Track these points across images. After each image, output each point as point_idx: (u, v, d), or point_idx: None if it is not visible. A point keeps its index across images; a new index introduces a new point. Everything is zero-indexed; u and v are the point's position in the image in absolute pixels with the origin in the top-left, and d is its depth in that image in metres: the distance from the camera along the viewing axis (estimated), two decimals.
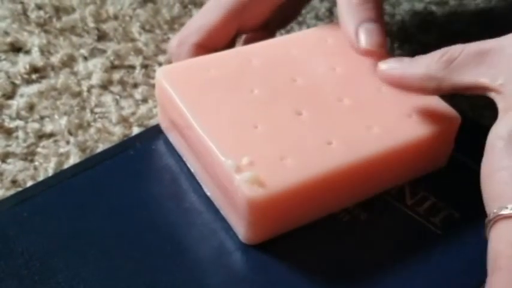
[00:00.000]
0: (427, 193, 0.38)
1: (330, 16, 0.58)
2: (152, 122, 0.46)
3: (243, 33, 0.44)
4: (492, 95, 0.33)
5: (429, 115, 0.37)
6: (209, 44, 0.41)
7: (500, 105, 0.32)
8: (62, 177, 0.38)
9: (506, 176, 0.29)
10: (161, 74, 0.39)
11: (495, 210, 0.29)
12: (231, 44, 0.43)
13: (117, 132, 0.45)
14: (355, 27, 0.39)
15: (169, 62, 0.51)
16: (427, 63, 0.35)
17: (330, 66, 0.40)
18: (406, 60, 0.36)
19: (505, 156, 0.29)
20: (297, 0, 0.49)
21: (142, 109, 0.47)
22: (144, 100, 0.48)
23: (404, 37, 0.57)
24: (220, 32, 0.41)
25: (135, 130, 0.46)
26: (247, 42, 0.45)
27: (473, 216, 0.33)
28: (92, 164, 0.39)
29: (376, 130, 0.36)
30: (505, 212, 0.28)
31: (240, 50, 0.41)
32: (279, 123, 0.36)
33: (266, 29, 0.45)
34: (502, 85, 0.32)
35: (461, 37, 0.57)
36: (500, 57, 0.32)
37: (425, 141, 0.37)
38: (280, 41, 0.42)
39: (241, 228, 0.35)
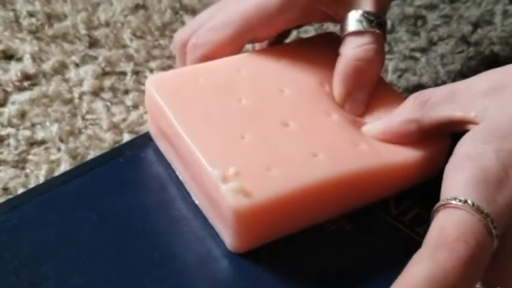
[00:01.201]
0: (412, 203, 0.38)
1: (322, 25, 0.58)
2: (143, 129, 0.47)
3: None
4: (470, 127, 0.34)
5: (413, 139, 0.37)
6: (215, 57, 0.42)
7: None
8: (52, 185, 0.39)
9: (460, 175, 0.31)
10: (151, 83, 0.39)
11: (440, 201, 0.31)
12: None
13: (108, 139, 0.46)
14: (345, 93, 0.40)
15: (161, 68, 0.52)
16: (403, 109, 0.37)
17: (318, 80, 0.41)
18: (384, 116, 0.38)
19: (466, 161, 0.31)
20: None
21: (133, 115, 0.48)
22: (135, 106, 0.48)
23: (394, 41, 0.58)
24: (227, 50, 0.42)
25: (126, 137, 0.46)
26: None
27: None
28: (81, 171, 0.40)
29: (363, 147, 0.37)
30: (443, 202, 0.30)
31: (229, 60, 0.41)
32: (266, 133, 0.37)
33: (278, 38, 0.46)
34: (476, 116, 0.34)
35: (451, 41, 0.58)
36: (469, 94, 0.35)
37: (414, 164, 0.37)
38: (269, 52, 0.43)
39: (227, 237, 0.35)
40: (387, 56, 0.56)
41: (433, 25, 0.60)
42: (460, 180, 0.31)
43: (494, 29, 0.60)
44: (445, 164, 0.35)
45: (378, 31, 0.40)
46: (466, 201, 0.29)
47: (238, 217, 0.33)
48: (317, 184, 0.35)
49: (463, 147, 0.32)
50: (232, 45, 0.42)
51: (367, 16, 0.40)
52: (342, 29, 0.41)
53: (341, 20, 0.41)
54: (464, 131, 0.34)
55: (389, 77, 0.54)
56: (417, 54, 0.57)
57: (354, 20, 0.40)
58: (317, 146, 0.36)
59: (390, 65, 0.55)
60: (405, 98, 0.38)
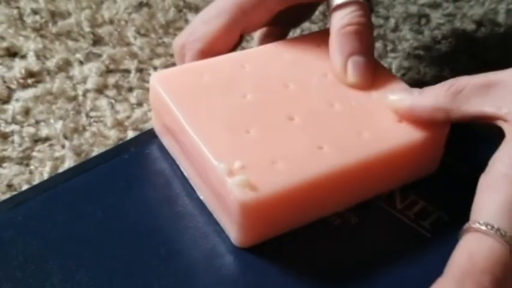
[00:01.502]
0: (417, 197, 0.38)
1: (324, 19, 0.58)
2: (147, 126, 0.47)
3: (248, 33, 0.45)
4: (500, 123, 0.34)
5: (419, 121, 0.38)
6: (214, 50, 0.42)
7: (507, 132, 0.33)
8: (56, 181, 0.39)
9: (495, 198, 0.30)
10: (155, 79, 0.39)
11: (470, 222, 0.30)
12: (236, 47, 0.44)
13: (112, 136, 0.46)
14: (343, 59, 0.40)
15: (165, 66, 0.52)
16: (435, 95, 0.36)
17: (322, 72, 0.41)
18: (415, 92, 0.37)
19: (503, 182, 0.30)
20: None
21: (137, 113, 0.48)
22: (139, 104, 0.48)
23: (398, 40, 0.58)
24: (223, 39, 0.42)
25: (130, 134, 0.46)
26: (263, 39, 0.46)
27: (462, 219, 0.33)
28: (86, 168, 0.40)
29: (366, 135, 0.37)
30: (474, 225, 0.30)
31: (233, 56, 0.41)
32: (271, 128, 0.37)
33: (278, 25, 0.46)
34: (507, 113, 0.33)
35: (455, 39, 0.58)
36: (504, 90, 0.34)
37: (416, 147, 0.37)
38: (272, 47, 0.43)
39: (233, 232, 0.35)
40: (391, 55, 0.56)
41: (436, 23, 0.60)
42: (493, 203, 0.30)
43: (498, 28, 0.60)
44: (444, 150, 0.35)
45: (361, 0, 0.40)
46: (498, 230, 0.29)
47: (244, 211, 0.33)
48: (323, 176, 0.34)
49: (500, 164, 0.31)
50: (228, 34, 0.42)
51: None
52: (328, 5, 0.41)
53: None
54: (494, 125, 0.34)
55: None
56: (421, 53, 0.57)
57: None
58: (322, 139, 0.36)
59: (394, 64, 0.55)
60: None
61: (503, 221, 0.29)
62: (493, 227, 0.29)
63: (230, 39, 0.42)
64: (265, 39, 0.46)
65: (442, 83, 0.36)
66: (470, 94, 0.35)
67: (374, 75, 0.40)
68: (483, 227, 0.30)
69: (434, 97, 0.36)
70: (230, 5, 0.41)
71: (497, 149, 0.33)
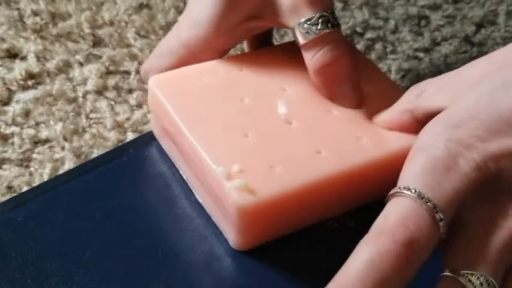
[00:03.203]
0: None
1: None
2: (147, 128, 0.47)
3: None
4: None
5: (395, 128, 0.38)
6: None
7: None
8: (56, 183, 0.39)
9: (408, 167, 0.32)
10: (154, 82, 0.39)
11: (396, 187, 0.31)
12: None
13: (112, 138, 0.46)
14: (327, 92, 0.40)
15: None
16: (401, 100, 0.38)
17: None
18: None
19: (417, 152, 0.32)
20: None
21: (137, 114, 0.48)
22: (139, 106, 0.49)
23: (398, 41, 0.58)
24: None
25: (130, 136, 0.46)
26: None
27: None
28: (85, 170, 0.40)
29: (365, 140, 0.37)
30: (392, 192, 0.31)
31: (231, 59, 0.42)
32: (269, 132, 0.37)
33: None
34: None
35: (454, 41, 0.58)
36: (458, 83, 0.35)
37: None
38: (270, 50, 0.43)
39: (231, 235, 0.35)
40: (391, 56, 0.56)
41: (436, 25, 0.60)
42: (410, 170, 0.32)
43: (498, 30, 0.60)
44: None
45: (327, 31, 0.39)
46: (410, 189, 0.30)
47: (242, 214, 0.33)
48: (321, 180, 0.35)
49: (419, 139, 0.33)
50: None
51: (310, 24, 0.39)
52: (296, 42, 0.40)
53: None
54: None
55: (393, 77, 0.54)
56: (421, 54, 0.57)
57: (299, 33, 0.39)
58: (320, 143, 0.36)
59: (394, 65, 0.56)
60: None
61: (416, 181, 0.31)
62: (408, 188, 0.30)
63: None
64: None
65: (408, 89, 0.38)
66: (430, 93, 0.36)
67: (361, 93, 0.40)
68: (396, 190, 0.31)
69: (401, 102, 0.38)
70: (178, 46, 0.42)
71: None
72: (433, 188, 0.30)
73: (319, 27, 0.39)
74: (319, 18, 0.39)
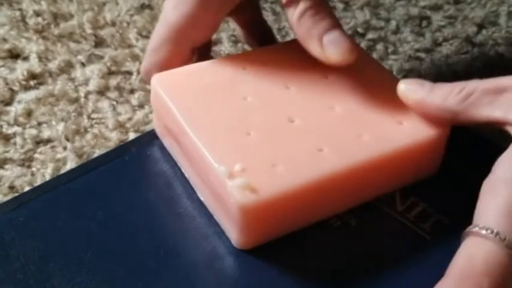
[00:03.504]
0: (417, 199, 0.38)
1: None
2: (148, 128, 0.47)
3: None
4: (508, 127, 0.34)
5: (420, 122, 0.38)
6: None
7: None
8: (57, 183, 0.39)
9: (495, 202, 0.31)
10: (156, 81, 0.39)
11: (471, 226, 0.31)
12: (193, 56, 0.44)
13: (114, 138, 0.46)
14: (317, 41, 0.39)
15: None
16: (444, 95, 0.36)
17: (322, 74, 0.41)
18: (427, 85, 0.37)
19: (503, 187, 0.31)
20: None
21: (139, 115, 0.48)
22: (141, 106, 0.49)
23: (399, 42, 0.58)
24: (177, 62, 0.41)
25: (132, 136, 0.46)
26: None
27: (463, 222, 0.33)
28: (87, 169, 0.40)
29: (367, 137, 0.37)
30: (475, 229, 0.30)
31: (234, 58, 0.42)
32: (272, 130, 0.37)
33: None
34: None
35: (455, 42, 0.58)
36: None
37: (416, 149, 0.37)
38: (272, 49, 0.43)
39: (233, 234, 0.35)
40: (392, 57, 0.56)
41: (437, 26, 0.60)
42: (493, 207, 0.30)
43: (499, 30, 0.60)
44: (444, 152, 0.36)
45: None
46: (497, 234, 0.29)
47: (244, 213, 0.33)
48: (323, 179, 0.35)
49: (502, 168, 0.32)
50: (179, 56, 0.42)
51: None
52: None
53: None
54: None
55: None
56: (422, 55, 0.57)
57: None
58: (322, 141, 0.36)
59: (395, 66, 0.56)
60: None
61: (503, 225, 0.30)
62: (492, 231, 0.30)
63: (183, 59, 0.42)
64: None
65: (453, 84, 0.36)
66: (480, 99, 0.35)
67: (353, 43, 0.39)
68: (483, 231, 0.30)
69: (443, 97, 0.36)
70: (169, 32, 0.41)
71: (502, 154, 0.33)
72: None
73: None
74: None
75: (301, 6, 0.39)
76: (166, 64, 0.41)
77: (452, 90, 0.36)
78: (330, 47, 0.38)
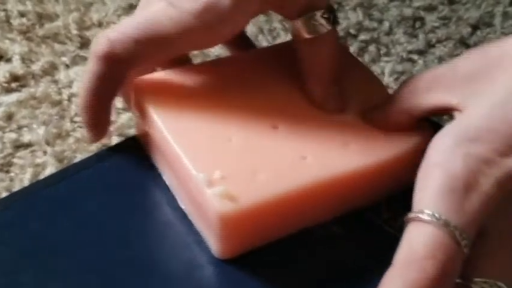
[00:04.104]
0: (403, 207, 0.37)
1: None
2: (132, 132, 0.46)
3: None
4: (455, 113, 0.34)
5: (405, 132, 0.37)
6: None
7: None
8: (34, 189, 0.38)
9: (429, 186, 0.30)
10: (137, 85, 0.38)
11: (409, 213, 0.30)
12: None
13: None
14: (323, 90, 0.38)
15: None
16: (395, 100, 0.37)
17: None
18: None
19: (435, 171, 0.31)
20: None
21: (123, 118, 0.47)
22: (125, 109, 0.48)
23: (392, 43, 0.57)
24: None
25: (115, 140, 0.45)
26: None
27: None
28: (65, 175, 0.39)
29: (352, 147, 0.36)
30: (411, 215, 0.30)
31: (217, 62, 0.41)
32: (254, 136, 0.36)
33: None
34: (458, 104, 0.33)
35: (449, 43, 0.57)
36: (452, 78, 0.34)
37: (402, 158, 0.36)
38: (257, 53, 0.42)
39: (213, 242, 0.34)
40: (384, 59, 0.55)
41: (431, 27, 0.59)
42: (428, 190, 0.30)
43: (494, 31, 0.59)
44: None
45: (330, 27, 0.37)
46: (433, 215, 0.29)
47: (223, 222, 0.32)
48: (306, 188, 0.34)
49: (434, 152, 0.31)
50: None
51: (318, 18, 0.37)
52: (294, 35, 0.38)
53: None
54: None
55: (386, 79, 0.53)
56: (415, 57, 0.56)
57: (305, 26, 0.37)
58: (306, 149, 0.35)
59: (387, 68, 0.55)
60: None
61: (438, 205, 0.29)
62: (428, 213, 0.29)
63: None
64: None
65: (400, 86, 0.37)
66: (422, 89, 0.35)
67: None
68: (419, 215, 0.29)
69: (394, 102, 0.37)
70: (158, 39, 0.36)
71: (433, 138, 0.32)
72: (455, 212, 0.29)
73: (324, 22, 0.37)
74: (325, 12, 0.37)
75: (324, 51, 0.38)
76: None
77: (399, 91, 0.37)
78: (331, 100, 0.38)
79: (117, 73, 0.37)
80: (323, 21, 0.37)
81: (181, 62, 0.40)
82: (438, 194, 0.30)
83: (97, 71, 0.36)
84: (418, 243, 0.29)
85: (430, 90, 0.35)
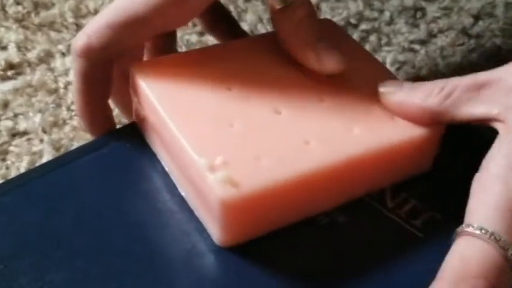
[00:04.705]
0: (408, 195, 0.37)
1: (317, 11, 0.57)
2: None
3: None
4: (493, 123, 0.33)
5: (407, 118, 0.36)
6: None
7: (501, 131, 0.33)
8: (31, 176, 0.37)
9: (488, 201, 0.30)
10: (135, 70, 0.37)
11: (464, 225, 0.30)
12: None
13: None
14: (314, 50, 0.37)
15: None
16: (424, 95, 0.35)
17: None
18: (406, 86, 0.36)
19: (495, 184, 0.30)
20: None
21: None
22: None
23: (393, 33, 0.56)
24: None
25: None
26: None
27: (455, 219, 0.31)
28: (63, 162, 0.38)
29: (357, 131, 0.35)
30: (468, 229, 0.29)
31: (218, 47, 0.40)
32: (256, 121, 0.35)
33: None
34: (499, 114, 0.33)
35: (451, 33, 0.56)
36: (494, 89, 0.33)
37: (409, 145, 0.36)
38: (259, 38, 0.41)
39: (214, 230, 0.33)
40: (385, 49, 0.55)
41: (432, 17, 0.58)
42: (487, 205, 0.29)
43: (496, 21, 0.58)
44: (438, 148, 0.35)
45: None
46: (492, 234, 0.28)
47: (225, 208, 0.31)
48: (309, 173, 0.33)
49: (493, 164, 0.31)
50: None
51: None
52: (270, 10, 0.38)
53: None
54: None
55: None
56: (416, 47, 0.55)
57: None
58: (309, 133, 0.34)
59: (388, 58, 0.54)
60: None
61: (497, 224, 0.29)
62: (487, 231, 0.29)
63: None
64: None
65: (432, 83, 0.35)
66: (461, 97, 0.34)
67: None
68: (477, 231, 0.29)
69: (423, 98, 0.35)
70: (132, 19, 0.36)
71: (490, 149, 0.32)
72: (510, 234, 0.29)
73: None
74: None
75: (298, 15, 0.37)
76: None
77: (432, 90, 0.35)
78: (326, 56, 0.37)
79: (101, 66, 0.37)
80: None
81: (166, 49, 0.40)
82: (497, 212, 0.29)
83: (81, 69, 0.36)
84: (472, 259, 0.28)
85: (469, 99, 0.34)
